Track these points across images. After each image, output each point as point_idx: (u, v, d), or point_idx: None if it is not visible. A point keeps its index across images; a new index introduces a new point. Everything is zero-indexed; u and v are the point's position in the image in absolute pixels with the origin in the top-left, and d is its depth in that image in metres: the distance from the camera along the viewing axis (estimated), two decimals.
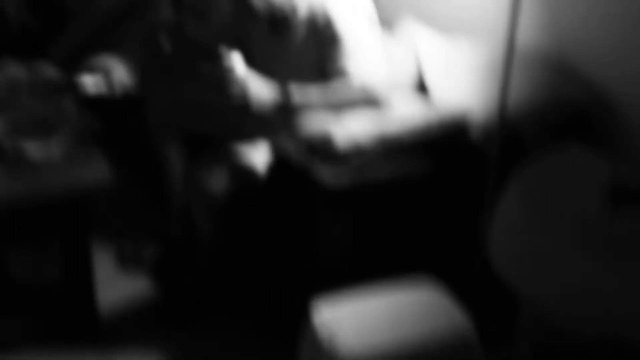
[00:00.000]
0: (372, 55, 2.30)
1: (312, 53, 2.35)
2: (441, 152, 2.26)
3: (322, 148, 2.15)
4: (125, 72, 2.87)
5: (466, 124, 2.27)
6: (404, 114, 2.26)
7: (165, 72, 3.05)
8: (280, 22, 2.39)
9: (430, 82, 2.42)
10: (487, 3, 2.60)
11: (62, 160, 2.21)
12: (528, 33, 2.43)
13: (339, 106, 2.24)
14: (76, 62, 3.30)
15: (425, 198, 2.27)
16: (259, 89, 2.23)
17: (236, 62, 2.23)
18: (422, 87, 2.49)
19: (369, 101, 2.24)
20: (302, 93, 2.25)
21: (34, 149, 2.20)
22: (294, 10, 2.36)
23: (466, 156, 2.28)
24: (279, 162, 2.30)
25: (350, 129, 2.16)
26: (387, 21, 2.76)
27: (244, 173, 2.34)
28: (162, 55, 3.17)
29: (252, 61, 2.34)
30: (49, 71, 2.69)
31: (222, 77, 2.22)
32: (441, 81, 2.41)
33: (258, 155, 2.39)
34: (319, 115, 2.29)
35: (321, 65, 2.32)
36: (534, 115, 2.29)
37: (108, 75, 2.86)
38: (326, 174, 2.12)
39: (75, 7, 3.78)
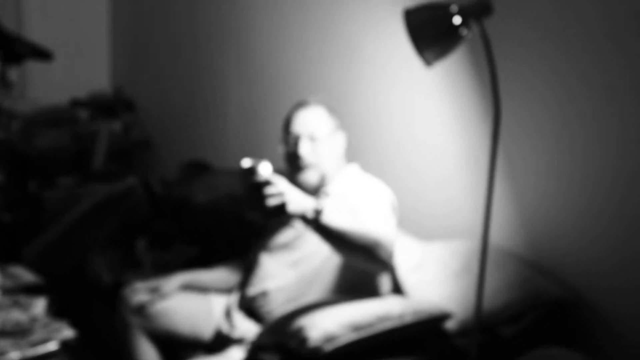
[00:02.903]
0: (388, 222, 2.31)
1: None
2: (418, 346, 2.23)
3: (296, 346, 2.12)
4: None
5: (442, 319, 2.26)
6: (378, 305, 2.25)
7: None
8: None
9: (407, 283, 2.43)
10: (462, 207, 2.71)
11: None
12: (501, 233, 2.50)
13: (355, 245, 2.13)
14: (50, 264, 3.30)
15: None
16: (298, 198, 2.07)
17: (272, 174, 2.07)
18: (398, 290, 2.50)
19: (383, 249, 2.17)
20: (333, 215, 2.11)
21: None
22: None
23: (445, 352, 2.25)
24: None
25: (324, 322, 2.13)
26: None
27: None
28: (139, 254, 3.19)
29: None
30: (23, 275, 2.67)
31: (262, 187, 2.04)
32: (417, 282, 2.43)
33: (235, 356, 2.35)
34: (290, 307, 2.27)
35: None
36: (510, 310, 2.30)
37: None
38: None
39: (52, 208, 3.84)
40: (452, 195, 2.77)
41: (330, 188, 2.45)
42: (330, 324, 2.13)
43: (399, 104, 2.99)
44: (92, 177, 4.37)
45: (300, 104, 2.52)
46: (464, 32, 1.90)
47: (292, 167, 2.45)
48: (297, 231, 2.46)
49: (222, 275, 2.66)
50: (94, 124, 4.76)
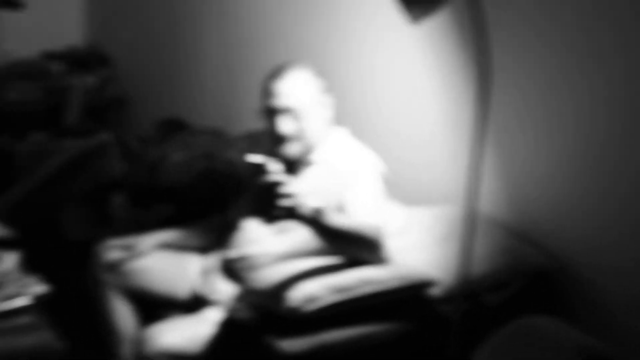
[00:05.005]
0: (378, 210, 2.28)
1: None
2: (402, 312, 2.20)
3: (275, 305, 2.08)
4: None
5: (427, 285, 2.23)
6: (362, 269, 2.20)
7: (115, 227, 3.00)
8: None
9: (390, 248, 2.39)
10: (445, 172, 2.66)
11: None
12: (486, 200, 2.46)
13: (352, 243, 2.16)
14: (21, 218, 3.22)
15: None
16: (308, 197, 2.06)
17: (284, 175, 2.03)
18: None
19: (373, 240, 2.17)
20: (333, 215, 2.11)
21: None
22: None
23: (428, 318, 2.23)
24: (231, 324, 2.21)
25: (305, 282, 2.10)
26: None
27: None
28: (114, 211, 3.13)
29: None
30: None
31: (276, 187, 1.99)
32: (400, 247, 2.39)
33: (211, 317, 2.31)
34: (274, 270, 2.22)
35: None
36: (494, 278, 2.28)
37: None
38: (281, 338, 2.03)
39: (22, 163, 3.76)
40: (435, 160, 2.73)
41: (315, 156, 2.38)
42: (311, 285, 2.09)
43: (383, 66, 2.93)
44: (65, 132, 4.27)
45: (277, 72, 2.34)
46: None
47: (273, 141, 2.35)
48: None
49: (198, 234, 2.61)
50: (68, 79, 4.65)
